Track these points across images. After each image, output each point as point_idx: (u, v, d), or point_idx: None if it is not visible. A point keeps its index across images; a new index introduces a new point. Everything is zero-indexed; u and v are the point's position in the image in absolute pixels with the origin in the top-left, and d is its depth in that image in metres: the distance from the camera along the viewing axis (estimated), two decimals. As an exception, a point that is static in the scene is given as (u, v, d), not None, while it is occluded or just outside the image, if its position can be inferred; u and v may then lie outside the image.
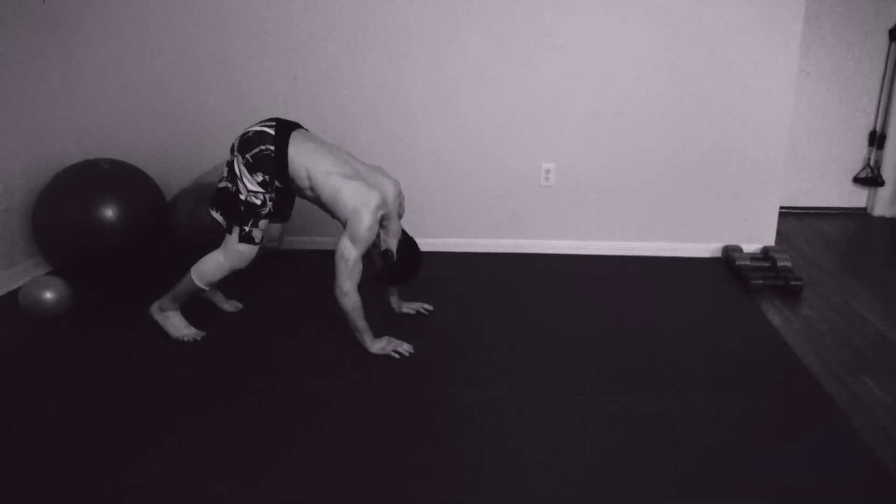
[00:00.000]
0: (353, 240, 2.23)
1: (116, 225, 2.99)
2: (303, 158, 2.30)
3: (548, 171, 3.42)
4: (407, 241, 2.44)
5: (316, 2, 3.24)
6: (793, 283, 2.99)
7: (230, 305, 2.77)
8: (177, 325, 2.50)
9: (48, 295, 2.63)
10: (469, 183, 3.47)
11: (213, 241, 3.08)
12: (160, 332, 2.51)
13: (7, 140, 3.07)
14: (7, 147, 3.07)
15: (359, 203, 2.23)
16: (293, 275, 3.18)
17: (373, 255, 2.46)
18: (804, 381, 2.22)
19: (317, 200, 2.36)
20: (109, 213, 2.97)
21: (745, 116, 3.29)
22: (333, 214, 2.32)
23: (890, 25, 4.05)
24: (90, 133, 3.47)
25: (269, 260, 3.39)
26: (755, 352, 2.42)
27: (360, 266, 2.26)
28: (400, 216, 2.48)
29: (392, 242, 2.39)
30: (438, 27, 3.25)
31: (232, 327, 2.63)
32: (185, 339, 2.48)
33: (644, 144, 3.36)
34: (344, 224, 2.27)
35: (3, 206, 3.04)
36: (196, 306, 2.67)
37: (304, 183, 2.33)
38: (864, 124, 4.22)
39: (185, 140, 3.48)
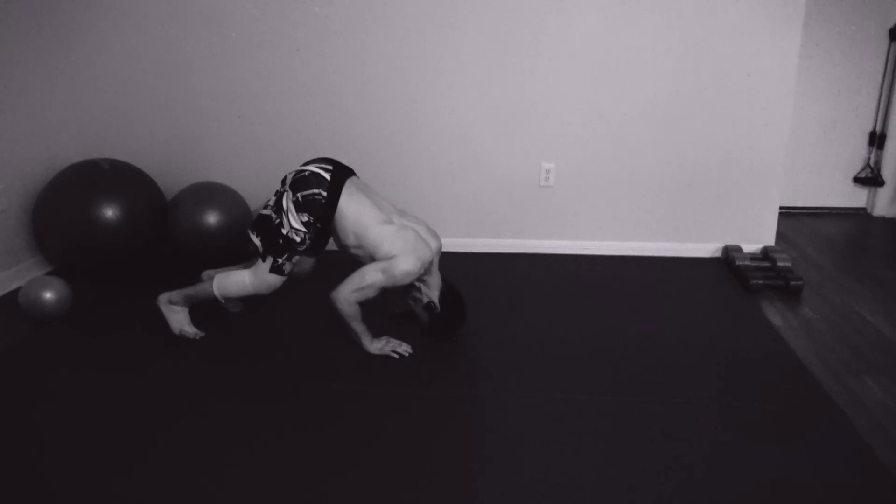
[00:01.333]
0: (384, 271, 2.26)
1: (116, 225, 2.99)
2: (353, 215, 2.31)
3: (548, 171, 3.42)
4: (449, 290, 2.45)
5: (315, 3, 3.24)
6: (793, 283, 2.99)
7: (233, 305, 2.77)
8: (181, 321, 2.50)
9: (48, 295, 2.63)
10: (469, 183, 3.47)
11: (214, 241, 3.10)
12: (161, 324, 2.50)
13: (7, 140, 3.07)
14: (7, 147, 3.07)
15: (409, 249, 2.27)
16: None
17: (417, 311, 2.47)
18: (804, 381, 2.22)
19: (362, 256, 2.35)
20: (109, 213, 2.97)
21: (745, 116, 3.29)
22: (374, 258, 2.32)
23: (890, 25, 4.05)
24: (90, 133, 3.47)
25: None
26: (755, 352, 2.42)
27: (373, 293, 2.30)
28: None
29: (434, 294, 2.41)
30: (438, 27, 3.25)
31: (233, 328, 2.63)
32: (185, 335, 2.49)
33: (644, 144, 3.36)
34: (381, 258, 2.28)
35: (3, 206, 3.04)
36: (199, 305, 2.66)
37: (350, 241, 2.34)
38: (864, 124, 4.22)
39: (185, 140, 3.48)
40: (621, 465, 1.78)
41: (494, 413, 2.04)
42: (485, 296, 2.94)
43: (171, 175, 3.49)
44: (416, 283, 2.40)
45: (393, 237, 2.29)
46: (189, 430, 1.95)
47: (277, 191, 2.38)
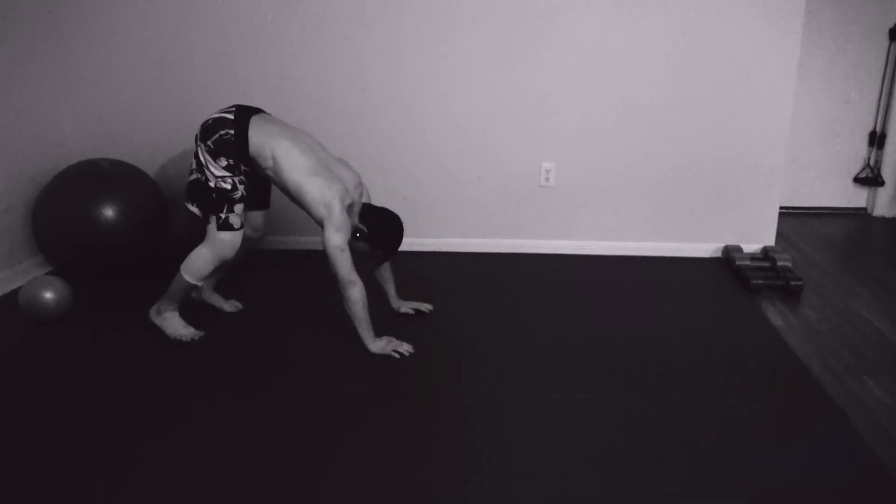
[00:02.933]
0: (336, 228, 2.23)
1: (116, 225, 2.99)
2: (266, 139, 2.29)
3: (548, 171, 3.42)
4: (368, 210, 2.41)
5: (313, 3, 3.24)
6: (793, 283, 2.99)
7: (230, 306, 2.77)
8: (175, 325, 2.50)
9: (48, 295, 2.63)
10: (469, 183, 3.47)
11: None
12: (160, 334, 2.51)
13: (7, 140, 3.07)
14: (7, 147, 3.07)
15: (328, 196, 2.24)
16: (292, 275, 3.18)
17: (357, 250, 2.41)
18: (804, 381, 2.22)
19: (281, 187, 2.34)
20: (109, 213, 2.97)
21: (745, 116, 3.29)
22: (304, 209, 2.32)
23: (890, 25, 4.05)
24: (90, 133, 3.47)
25: (269, 259, 3.39)
26: (755, 352, 2.42)
27: (348, 252, 2.27)
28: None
29: (355, 220, 2.37)
30: (438, 27, 3.25)
31: (232, 327, 2.63)
32: (184, 338, 2.48)
33: (644, 144, 3.36)
34: (320, 220, 2.27)
35: (3, 206, 3.04)
36: (195, 308, 2.67)
37: (269, 164, 2.31)
38: (864, 124, 4.22)
39: (185, 140, 3.48)
40: (620, 465, 1.78)
41: (494, 413, 2.04)
42: (485, 296, 2.94)
43: (171, 175, 3.49)
44: None
45: (308, 182, 2.25)
46: (189, 430, 1.95)
47: (194, 152, 2.36)
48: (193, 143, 2.38)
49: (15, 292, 2.95)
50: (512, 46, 3.26)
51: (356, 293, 2.29)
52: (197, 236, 3.07)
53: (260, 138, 2.30)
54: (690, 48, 3.21)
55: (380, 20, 3.25)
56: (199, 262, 2.39)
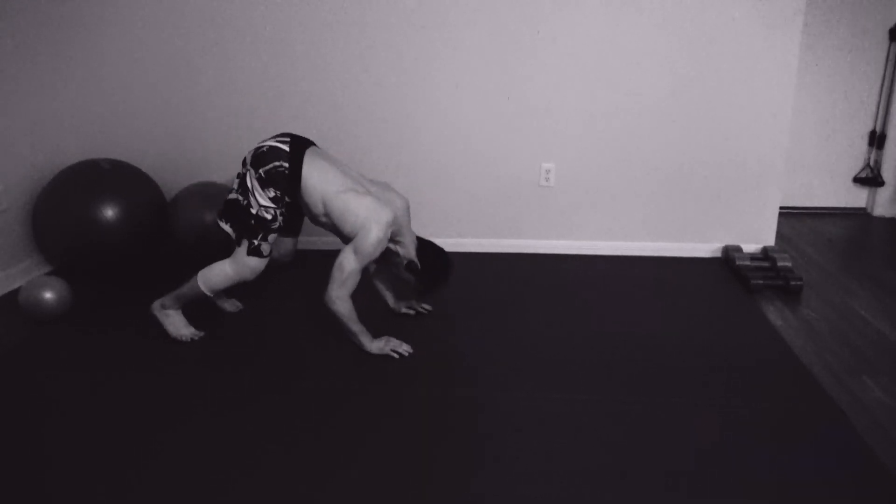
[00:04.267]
0: (356, 251, 2.23)
1: (116, 225, 2.99)
2: (317, 182, 2.29)
3: (548, 171, 3.42)
4: (425, 245, 2.43)
5: (313, 3, 3.24)
6: (793, 283, 2.99)
7: (230, 305, 2.77)
8: (176, 323, 2.50)
9: (48, 295, 2.63)
10: (469, 183, 3.47)
11: (213, 241, 3.09)
12: (160, 329, 2.51)
13: (7, 140, 3.07)
14: (7, 147, 3.07)
15: (371, 217, 2.23)
16: (294, 275, 3.18)
17: (403, 277, 2.45)
18: (804, 381, 2.22)
19: (330, 226, 2.35)
20: (109, 213, 2.97)
21: (745, 116, 3.29)
22: (341, 231, 2.31)
23: (890, 25, 4.05)
24: (90, 133, 3.47)
25: (271, 260, 3.38)
26: (755, 352, 2.42)
27: (356, 278, 2.27)
28: None
29: (411, 253, 2.39)
30: (438, 27, 3.25)
31: (232, 327, 2.63)
32: (184, 338, 2.49)
33: (644, 144, 3.36)
34: (349, 239, 2.27)
35: (3, 206, 3.04)
36: (196, 306, 2.66)
37: (319, 209, 2.32)
38: (864, 124, 4.22)
39: (185, 140, 3.48)
40: (620, 465, 1.78)
41: (493, 413, 2.04)
42: (484, 296, 2.94)
43: (171, 175, 3.49)
44: (392, 248, 2.37)
45: (356, 206, 2.26)
46: (189, 430, 1.95)
47: (239, 173, 2.35)
48: (242, 165, 2.35)
49: (15, 292, 2.95)
50: (512, 46, 3.26)
51: (337, 310, 2.29)
52: (198, 237, 3.08)
53: (312, 180, 2.29)
54: (690, 48, 3.21)
55: (380, 20, 3.25)
56: (219, 278, 2.39)
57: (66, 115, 3.42)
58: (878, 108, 4.17)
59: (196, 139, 3.47)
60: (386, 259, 2.44)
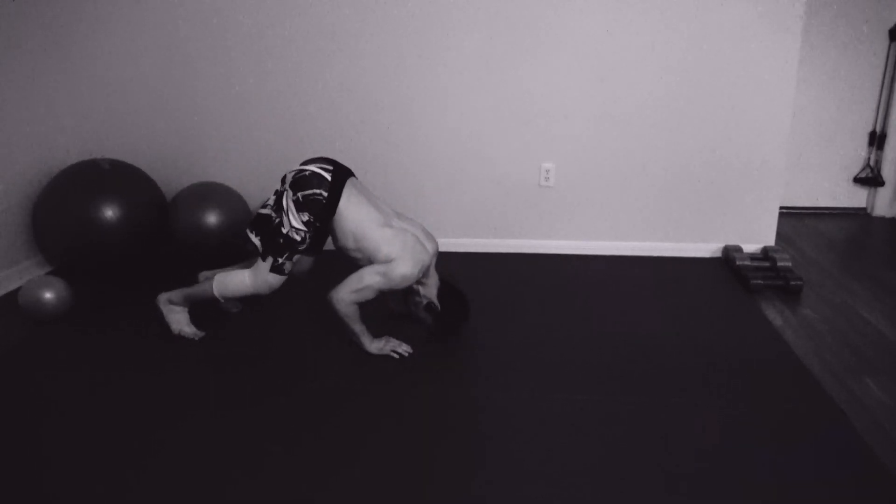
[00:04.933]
0: (384, 274, 2.25)
1: (116, 225, 2.98)
2: (352, 216, 2.30)
3: (548, 171, 3.42)
4: (447, 288, 2.44)
5: (313, 3, 3.24)
6: (793, 283, 2.99)
7: (231, 305, 2.77)
8: (180, 321, 2.51)
9: (48, 295, 2.63)
10: (469, 183, 3.47)
11: (213, 241, 3.10)
12: (161, 325, 2.51)
13: (7, 140, 3.07)
14: (7, 147, 3.07)
15: (408, 252, 2.26)
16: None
17: (419, 315, 2.46)
18: (804, 381, 2.22)
19: (361, 259, 2.34)
20: (109, 213, 2.97)
21: (745, 116, 3.29)
22: (373, 260, 2.30)
23: (890, 25, 4.05)
24: (90, 133, 3.47)
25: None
26: (755, 351, 2.42)
27: (370, 296, 2.29)
28: None
29: (433, 294, 2.41)
30: (438, 27, 3.25)
31: (232, 328, 2.63)
32: (185, 336, 2.49)
33: (644, 144, 3.36)
34: (377, 261, 2.27)
35: (3, 206, 3.04)
36: (197, 306, 2.66)
37: (349, 244, 2.33)
38: (864, 124, 4.22)
39: (185, 140, 3.48)
40: (620, 465, 1.78)
41: (493, 413, 2.04)
42: (485, 296, 2.94)
43: (171, 175, 3.49)
44: (415, 287, 2.39)
45: (391, 241, 2.28)
46: (189, 430, 1.95)
47: (277, 190, 2.37)
48: (281, 183, 2.36)
49: (15, 292, 2.95)
50: (512, 46, 3.26)
51: (340, 309, 2.30)
52: (198, 237, 3.08)
53: (347, 213, 2.30)
54: (690, 48, 3.21)
55: (380, 22, 3.25)
56: (234, 287, 2.41)
57: (66, 115, 3.43)
58: (878, 108, 4.17)
59: (196, 139, 3.47)
60: (406, 296, 2.46)
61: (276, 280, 2.37)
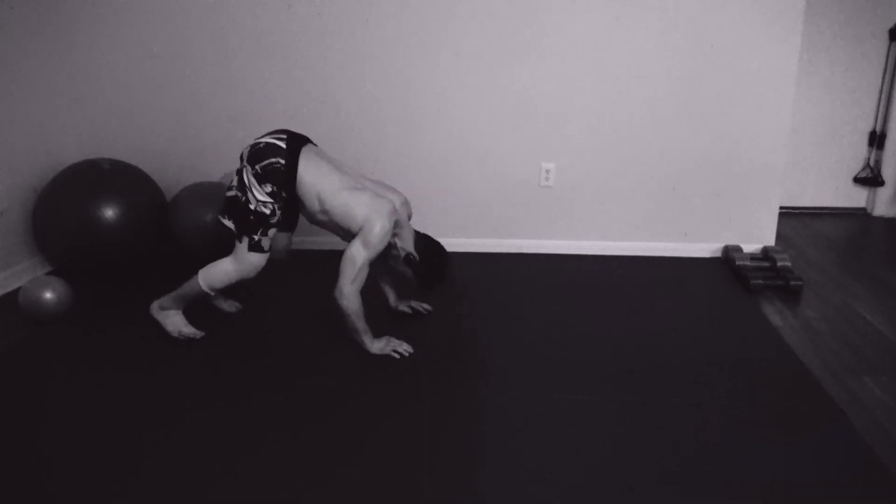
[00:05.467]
0: (364, 244, 2.25)
1: (116, 225, 2.98)
2: (313, 178, 2.32)
3: (548, 171, 3.42)
4: (422, 239, 2.44)
5: (313, 4, 3.24)
6: (793, 283, 2.99)
7: (229, 305, 2.77)
8: (177, 323, 2.50)
9: (48, 295, 2.63)
10: (469, 183, 3.47)
11: (213, 241, 3.09)
12: (160, 330, 2.51)
13: (7, 140, 3.07)
14: (7, 147, 3.07)
15: (371, 211, 2.26)
16: (292, 275, 3.17)
17: (400, 270, 2.46)
18: (804, 381, 2.22)
19: (328, 223, 2.37)
20: (109, 213, 2.97)
21: (745, 116, 3.29)
22: (345, 231, 2.33)
23: (890, 25, 4.05)
24: (90, 133, 3.47)
25: (271, 259, 3.38)
26: (755, 351, 2.42)
27: (366, 271, 2.29)
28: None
29: (409, 246, 2.41)
30: (437, 27, 3.25)
31: (231, 328, 2.63)
32: (185, 337, 2.49)
33: (644, 144, 3.36)
34: (355, 232, 2.28)
35: (3, 206, 3.04)
36: (196, 307, 2.66)
37: (315, 206, 2.34)
38: (864, 124, 4.22)
39: (185, 140, 3.48)
40: (620, 465, 1.78)
41: (494, 413, 2.04)
42: (485, 296, 2.94)
43: (171, 175, 3.49)
44: (391, 241, 2.38)
45: (355, 202, 2.28)
46: (189, 429, 1.95)
47: (237, 169, 2.37)
48: (238, 160, 2.37)
49: (15, 292, 2.95)
50: (512, 46, 3.26)
51: (347, 307, 2.29)
52: (198, 237, 3.08)
53: (308, 176, 2.32)
54: (690, 48, 3.21)
55: (379, 20, 3.25)
56: (220, 276, 2.40)
57: (66, 115, 3.42)
58: (878, 108, 4.17)
59: (196, 139, 3.47)
60: (385, 252, 2.44)
61: (258, 259, 2.36)
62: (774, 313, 2.79)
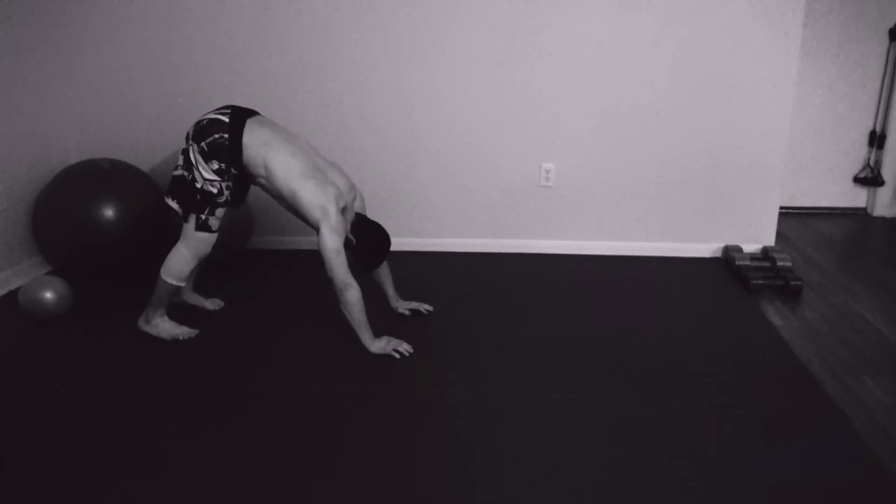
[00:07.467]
0: (332, 230, 2.24)
1: (116, 225, 2.98)
2: (259, 148, 2.30)
3: (548, 171, 3.42)
4: (364, 223, 2.41)
5: (313, 4, 3.24)
6: (793, 283, 2.99)
7: (212, 304, 2.78)
8: (167, 329, 2.51)
9: (48, 295, 2.63)
10: (469, 183, 3.47)
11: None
12: (155, 339, 2.51)
13: (7, 140, 3.07)
14: (7, 147, 3.07)
15: (322, 199, 2.25)
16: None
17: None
18: (804, 381, 2.22)
19: (275, 194, 2.35)
20: (109, 212, 2.97)
21: (745, 116, 3.29)
22: (298, 215, 2.33)
23: (890, 25, 4.05)
24: (90, 133, 3.47)
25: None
26: (755, 352, 2.42)
27: (344, 254, 2.27)
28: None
29: (347, 229, 2.37)
30: (437, 27, 3.25)
31: (229, 328, 2.63)
32: (181, 337, 2.49)
33: (644, 144, 3.36)
34: (316, 224, 2.27)
35: (3, 206, 3.04)
36: (178, 311, 2.66)
37: (261, 172, 2.33)
38: (864, 124, 4.22)
39: (184, 140, 3.47)
40: (620, 466, 1.78)
41: (492, 412, 2.04)
42: (484, 296, 2.94)
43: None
44: None
45: (302, 187, 2.25)
46: (189, 429, 1.95)
47: (183, 148, 2.36)
48: (184, 140, 2.38)
49: (15, 292, 2.95)
50: (512, 46, 3.26)
51: (353, 296, 2.29)
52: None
53: (253, 146, 2.30)
54: (690, 48, 3.21)
55: (380, 20, 3.25)
56: (178, 263, 2.40)
57: (66, 115, 3.43)
58: (878, 108, 4.17)
59: (196, 139, 3.47)
60: None
61: (206, 237, 2.36)
62: (774, 313, 2.79)
